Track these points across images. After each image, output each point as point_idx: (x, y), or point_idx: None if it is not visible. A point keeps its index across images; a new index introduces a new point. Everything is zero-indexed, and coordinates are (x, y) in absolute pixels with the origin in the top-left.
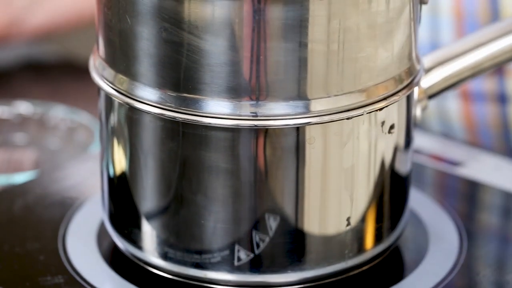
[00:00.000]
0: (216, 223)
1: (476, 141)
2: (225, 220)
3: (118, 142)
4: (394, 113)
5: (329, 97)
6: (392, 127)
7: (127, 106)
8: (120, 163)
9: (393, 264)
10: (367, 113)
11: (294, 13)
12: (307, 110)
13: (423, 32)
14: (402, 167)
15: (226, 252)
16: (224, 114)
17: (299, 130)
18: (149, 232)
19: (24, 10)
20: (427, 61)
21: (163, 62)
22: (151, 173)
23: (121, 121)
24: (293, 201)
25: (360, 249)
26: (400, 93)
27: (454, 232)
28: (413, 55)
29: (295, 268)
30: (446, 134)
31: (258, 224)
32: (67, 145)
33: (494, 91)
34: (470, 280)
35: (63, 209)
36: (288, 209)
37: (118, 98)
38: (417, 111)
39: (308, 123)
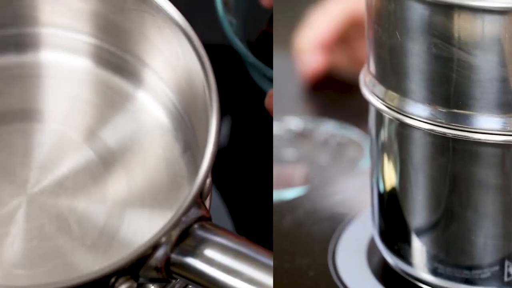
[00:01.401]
0: (486, 239)
1: None
2: (495, 236)
3: (388, 158)
4: None
5: None
6: None
7: (398, 122)
8: (390, 178)
9: None
10: None
11: None
12: None
13: None
14: None
15: (496, 268)
16: (494, 130)
17: None
18: (419, 247)
19: None
20: None
21: (433, 78)
22: (421, 189)
23: (391, 137)
24: None
25: None
26: None
27: None
28: None
29: None
30: None
31: None
32: (336, 161)
33: None
34: None
35: (332, 225)
36: None
37: (388, 114)
38: None
39: None
